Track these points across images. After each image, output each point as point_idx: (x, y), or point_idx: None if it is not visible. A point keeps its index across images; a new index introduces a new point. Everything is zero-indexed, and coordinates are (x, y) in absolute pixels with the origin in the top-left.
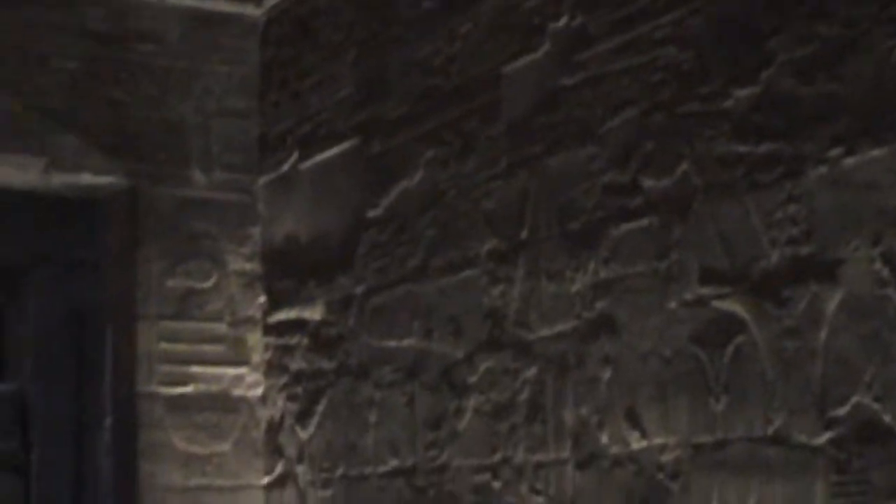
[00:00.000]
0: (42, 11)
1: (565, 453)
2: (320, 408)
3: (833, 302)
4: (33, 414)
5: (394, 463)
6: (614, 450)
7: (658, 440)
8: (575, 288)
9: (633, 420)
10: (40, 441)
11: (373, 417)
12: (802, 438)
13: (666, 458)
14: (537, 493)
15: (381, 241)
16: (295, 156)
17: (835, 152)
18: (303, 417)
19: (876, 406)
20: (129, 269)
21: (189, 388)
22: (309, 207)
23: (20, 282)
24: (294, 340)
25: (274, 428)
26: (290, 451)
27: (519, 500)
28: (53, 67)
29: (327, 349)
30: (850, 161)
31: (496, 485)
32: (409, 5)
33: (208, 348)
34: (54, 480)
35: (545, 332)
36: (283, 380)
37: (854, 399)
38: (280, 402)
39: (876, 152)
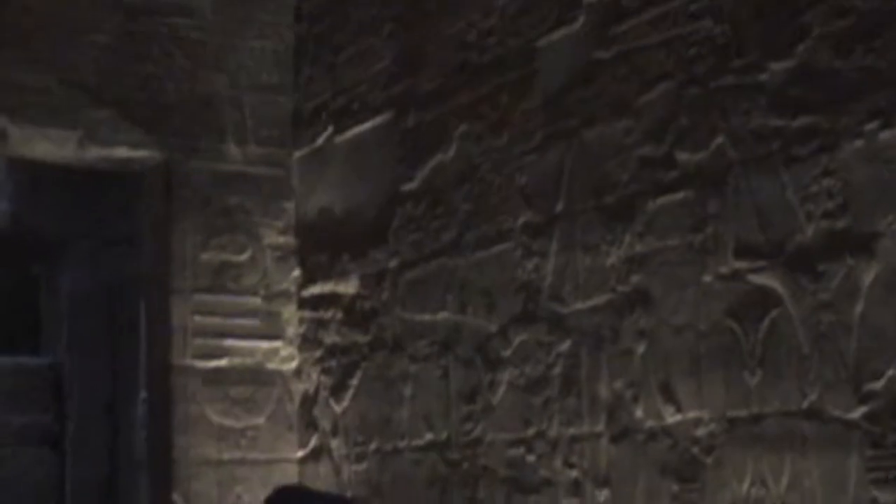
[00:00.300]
0: None
1: (600, 427)
2: (354, 381)
3: (869, 276)
4: (68, 387)
5: (428, 436)
6: (649, 423)
7: (692, 414)
8: (610, 261)
9: (668, 394)
10: (75, 414)
11: (407, 391)
12: (837, 413)
13: (700, 431)
14: (571, 466)
15: (416, 214)
16: (329, 130)
17: (871, 126)
18: (337, 391)
19: None
20: (163, 242)
21: (223, 362)
22: (343, 181)
23: (55, 256)
24: (328, 314)
25: (308, 401)
26: (325, 424)
27: (553, 473)
28: (87, 42)
29: (362, 323)
30: (886, 135)
31: (530, 458)
32: None
33: (243, 322)
34: (89, 454)
35: (579, 305)
36: (318, 353)
37: (889, 373)
38: (314, 376)
39: None
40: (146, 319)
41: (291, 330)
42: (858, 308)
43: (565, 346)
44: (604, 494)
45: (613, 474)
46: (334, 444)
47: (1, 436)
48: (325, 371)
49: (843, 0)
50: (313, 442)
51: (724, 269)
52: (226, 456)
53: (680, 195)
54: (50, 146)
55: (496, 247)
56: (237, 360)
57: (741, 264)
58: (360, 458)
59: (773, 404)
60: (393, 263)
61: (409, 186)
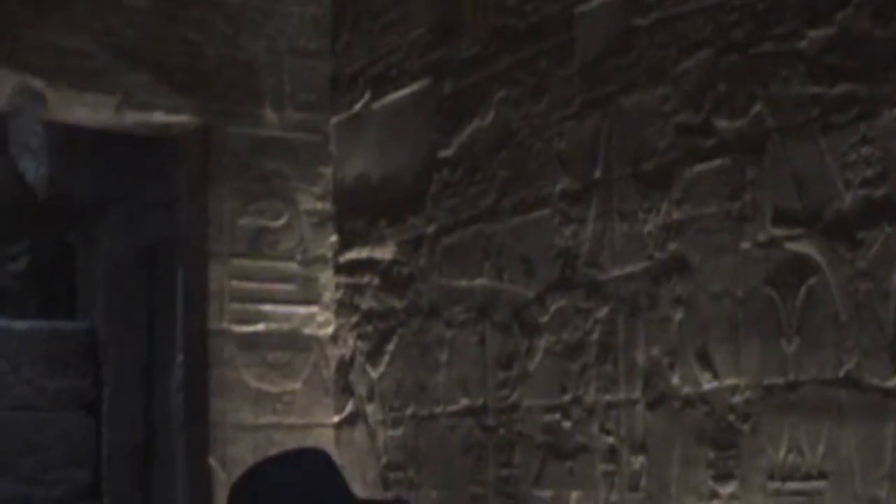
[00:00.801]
0: None
1: (636, 394)
2: (391, 347)
3: None
4: (105, 352)
5: (464, 402)
6: (685, 390)
7: (729, 381)
8: (647, 228)
9: (705, 361)
10: (112, 379)
11: (443, 357)
12: (875, 381)
13: (737, 399)
14: (607, 433)
15: (453, 180)
16: (367, 96)
17: None
18: (373, 356)
19: None
20: (201, 207)
21: (260, 327)
22: (380, 147)
23: (92, 220)
24: (365, 280)
25: (344, 367)
26: (361, 389)
27: (589, 439)
28: (126, 6)
29: (398, 288)
30: None
31: (566, 425)
32: None
33: (279, 287)
34: (125, 418)
35: (617, 272)
36: (354, 319)
37: None
38: (351, 341)
39: None
40: (183, 284)
41: (328, 295)
42: None
43: (602, 312)
44: (639, 461)
45: (649, 441)
46: (370, 409)
47: (38, 400)
48: (361, 336)
49: None
50: (349, 407)
51: (761, 237)
52: (262, 420)
53: (717, 162)
54: (88, 110)
55: (534, 213)
56: (274, 326)
57: (779, 232)
58: (395, 424)
59: (810, 372)
60: (430, 229)
61: (446, 152)
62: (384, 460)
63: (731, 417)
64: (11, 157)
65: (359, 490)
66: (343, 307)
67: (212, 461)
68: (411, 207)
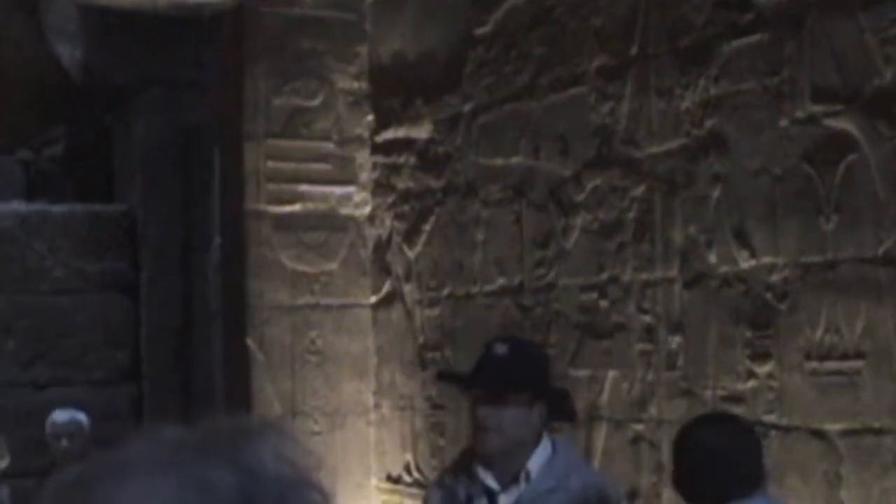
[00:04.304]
0: None
1: (673, 272)
2: (428, 226)
3: None
4: (142, 234)
5: (501, 282)
6: (722, 269)
7: (767, 259)
8: (684, 105)
9: (742, 239)
10: (150, 261)
11: (480, 236)
12: None
13: (774, 277)
14: (644, 312)
15: (489, 58)
16: None
17: None
18: (410, 236)
19: None
20: (236, 88)
21: (297, 207)
22: (416, 25)
23: (128, 103)
24: (402, 159)
25: (381, 247)
26: (398, 269)
27: (626, 318)
28: None
29: (435, 168)
30: None
31: (603, 304)
32: None
33: (316, 167)
34: (163, 300)
35: (654, 149)
36: (391, 199)
37: None
38: (388, 221)
39: None
40: (219, 165)
41: (364, 175)
42: None
43: (639, 190)
44: (676, 340)
45: (686, 320)
46: (407, 289)
47: (77, 282)
48: (398, 216)
49: None
50: (386, 287)
51: (800, 114)
52: (299, 301)
53: (756, 38)
54: None
55: (570, 91)
56: (310, 206)
57: (818, 108)
58: (432, 304)
59: (849, 250)
60: (466, 108)
61: (482, 30)
62: (421, 340)
63: (769, 296)
64: (47, 41)
65: (396, 369)
66: (380, 187)
67: (249, 342)
68: (447, 86)
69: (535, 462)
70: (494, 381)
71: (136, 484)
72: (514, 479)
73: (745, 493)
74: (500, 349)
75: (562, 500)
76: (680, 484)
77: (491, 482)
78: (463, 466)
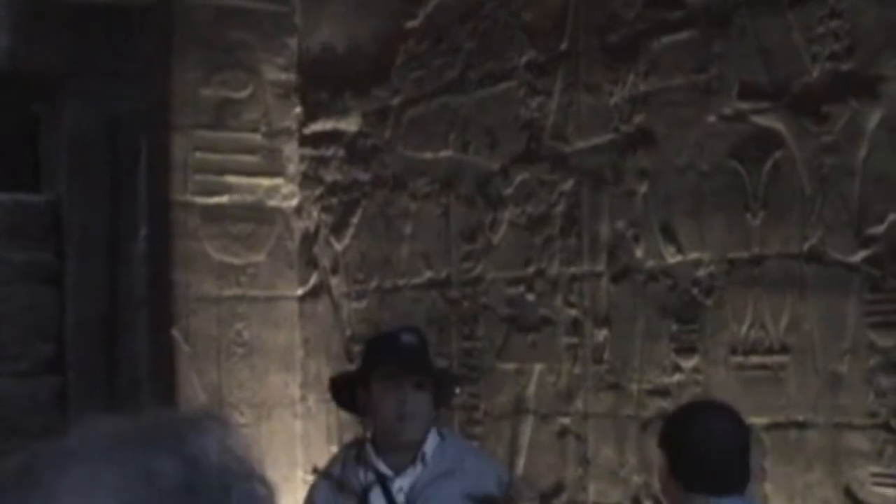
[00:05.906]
0: None
1: (600, 266)
2: (355, 219)
3: (873, 119)
4: (68, 224)
5: (428, 275)
6: (649, 264)
7: (693, 255)
8: (613, 100)
9: (669, 234)
10: (75, 251)
11: (407, 229)
12: (838, 256)
13: (701, 272)
14: (571, 305)
15: (419, 52)
16: None
17: None
18: (338, 229)
19: None
20: (164, 78)
21: (224, 198)
22: (346, 17)
23: (56, 91)
24: (330, 152)
25: (309, 239)
26: (325, 262)
27: (552, 312)
28: None
29: (363, 161)
30: None
31: (530, 297)
32: None
33: (243, 158)
34: (88, 290)
35: (582, 144)
36: (319, 191)
37: (891, 217)
38: (315, 214)
39: None
40: (147, 156)
41: (292, 167)
42: (862, 152)
43: (567, 185)
44: (603, 334)
45: (613, 314)
46: (334, 281)
47: (1, 273)
48: (325, 209)
49: None
50: (313, 279)
51: (727, 110)
52: (226, 292)
53: (685, 35)
54: None
55: (499, 85)
56: (237, 197)
57: (745, 105)
58: (359, 296)
59: (774, 246)
60: (395, 101)
61: (412, 23)
62: (348, 333)
63: (695, 291)
64: None
65: (322, 361)
66: (307, 179)
67: (175, 333)
68: (377, 79)
69: (429, 446)
70: (419, 369)
71: (79, 473)
72: (409, 464)
73: (744, 484)
74: (408, 338)
75: (461, 482)
76: (681, 473)
77: (383, 468)
78: (352, 456)
